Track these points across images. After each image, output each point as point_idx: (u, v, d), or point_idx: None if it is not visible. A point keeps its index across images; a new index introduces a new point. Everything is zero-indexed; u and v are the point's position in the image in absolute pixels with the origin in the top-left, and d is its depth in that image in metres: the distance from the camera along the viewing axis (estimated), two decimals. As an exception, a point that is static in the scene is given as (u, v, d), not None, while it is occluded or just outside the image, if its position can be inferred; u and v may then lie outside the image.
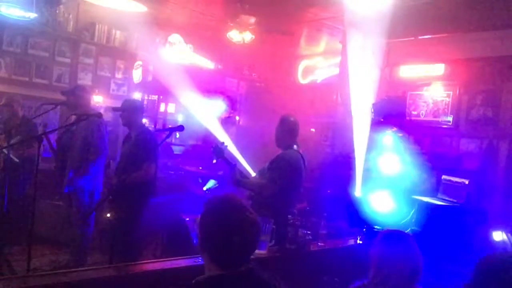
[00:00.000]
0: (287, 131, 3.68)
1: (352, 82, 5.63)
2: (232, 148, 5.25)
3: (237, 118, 8.26)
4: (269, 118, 5.12)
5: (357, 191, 5.07)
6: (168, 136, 3.52)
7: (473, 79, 5.32)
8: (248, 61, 8.35)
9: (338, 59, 6.89)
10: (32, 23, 6.11)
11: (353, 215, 4.49)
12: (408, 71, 5.92)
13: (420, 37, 5.72)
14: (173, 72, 6.26)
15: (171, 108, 7.78)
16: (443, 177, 4.65)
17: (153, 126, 7.09)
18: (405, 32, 5.71)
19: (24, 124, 5.12)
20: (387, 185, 4.77)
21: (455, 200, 4.40)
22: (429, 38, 5.66)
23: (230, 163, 3.71)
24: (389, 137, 5.02)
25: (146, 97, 7.60)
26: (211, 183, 5.73)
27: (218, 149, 3.69)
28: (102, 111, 5.21)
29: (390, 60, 6.08)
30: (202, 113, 6.44)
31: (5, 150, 4.32)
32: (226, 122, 7.34)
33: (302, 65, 8.61)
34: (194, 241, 4.37)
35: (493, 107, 5.16)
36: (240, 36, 6.67)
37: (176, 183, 6.06)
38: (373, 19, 4.97)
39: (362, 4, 4.65)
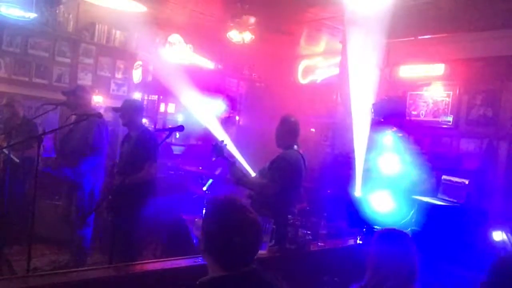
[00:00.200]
0: (288, 131, 3.69)
1: (352, 82, 5.62)
2: (232, 148, 5.25)
3: (237, 118, 8.27)
4: (269, 118, 5.13)
5: (357, 191, 5.06)
6: (168, 136, 3.52)
7: (473, 79, 5.32)
8: (248, 61, 8.35)
9: (338, 59, 6.88)
10: (32, 23, 6.10)
11: (353, 215, 4.49)
12: (408, 71, 5.91)
13: (420, 37, 5.72)
14: (173, 72, 6.26)
15: (171, 108, 7.78)
16: (443, 177, 4.64)
17: (153, 126, 7.09)
18: (405, 32, 5.71)
19: (25, 124, 5.13)
20: (387, 185, 4.77)
21: (455, 200, 4.39)
22: (429, 38, 5.66)
23: (230, 160, 3.72)
24: (389, 137, 5.01)
25: (146, 97, 7.60)
26: (210, 183, 5.72)
27: (218, 147, 3.70)
28: (102, 111, 5.22)
29: (390, 60, 6.07)
30: (202, 113, 6.44)
31: (5, 150, 4.33)
32: (226, 122, 7.34)
33: (302, 65, 8.62)
34: (194, 241, 4.37)
35: (493, 107, 5.16)
36: (240, 36, 6.66)
37: (176, 183, 6.05)
38: (373, 19, 4.96)
39: (362, 4, 4.66)
